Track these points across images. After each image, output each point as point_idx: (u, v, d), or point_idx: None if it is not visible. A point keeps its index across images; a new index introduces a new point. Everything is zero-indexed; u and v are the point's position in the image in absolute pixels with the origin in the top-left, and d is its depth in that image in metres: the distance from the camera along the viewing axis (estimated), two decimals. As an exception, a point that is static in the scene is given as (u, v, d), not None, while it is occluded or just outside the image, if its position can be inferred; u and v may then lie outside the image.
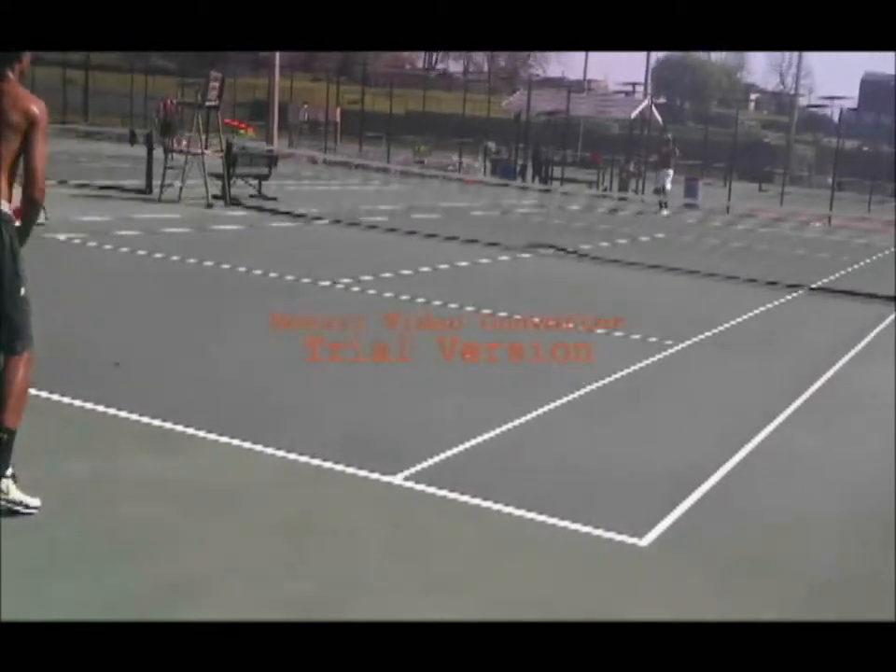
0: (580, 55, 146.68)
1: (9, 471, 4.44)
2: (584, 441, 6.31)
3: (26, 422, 4.59)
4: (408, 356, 7.95)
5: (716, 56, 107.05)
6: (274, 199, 19.72)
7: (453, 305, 10.37)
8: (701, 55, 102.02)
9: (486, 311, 10.19)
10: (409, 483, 5.29)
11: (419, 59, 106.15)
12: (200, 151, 18.40)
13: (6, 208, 4.55)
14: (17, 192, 4.63)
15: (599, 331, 9.59)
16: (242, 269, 11.52)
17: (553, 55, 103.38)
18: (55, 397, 6.10)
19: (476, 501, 5.10)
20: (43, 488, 4.60)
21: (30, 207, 4.61)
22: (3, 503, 4.39)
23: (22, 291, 4.55)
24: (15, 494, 4.43)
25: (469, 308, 10.26)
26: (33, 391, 5.01)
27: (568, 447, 6.16)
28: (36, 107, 4.58)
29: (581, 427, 6.63)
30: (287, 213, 17.92)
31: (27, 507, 4.45)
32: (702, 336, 9.74)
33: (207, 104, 18.58)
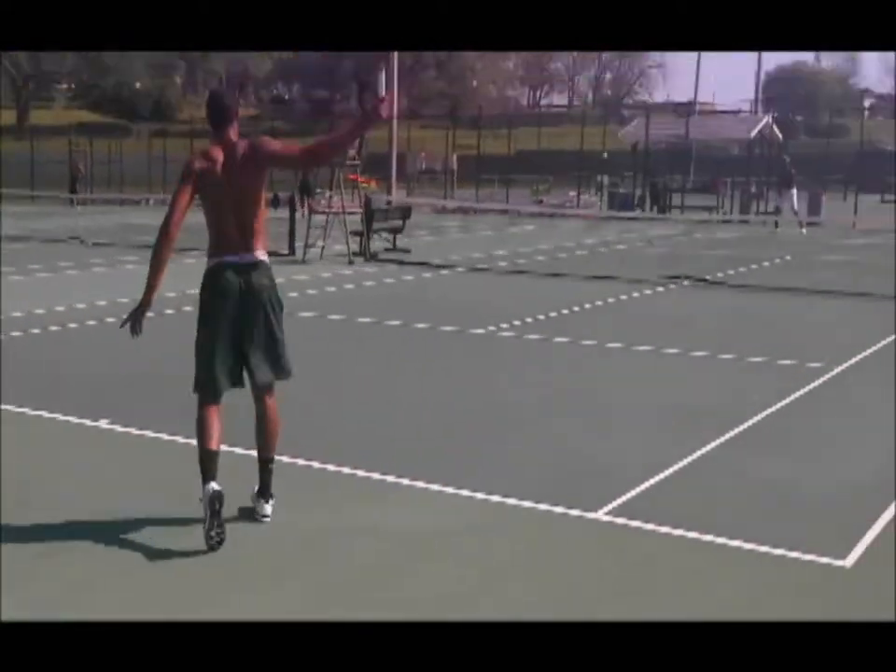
0: (688, 79, 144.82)
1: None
2: (767, 467, 6.60)
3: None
4: (576, 394, 8.37)
5: (827, 63, 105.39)
6: (408, 251, 20.42)
7: (617, 345, 10.75)
8: (812, 64, 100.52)
9: (645, 347, 10.57)
10: (610, 518, 5.63)
11: (523, 97, 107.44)
12: (341, 209, 19.22)
13: (263, 257, 5.36)
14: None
15: (757, 359, 9.88)
16: (418, 324, 12.14)
17: (659, 80, 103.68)
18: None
19: (680, 532, 5.43)
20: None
21: (330, 155, 5.72)
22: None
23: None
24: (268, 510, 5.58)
25: (644, 347, 10.61)
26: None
27: (756, 473, 6.45)
28: (259, 140, 5.42)
29: (761, 453, 6.92)
30: (425, 263, 18.57)
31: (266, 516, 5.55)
32: (860, 357, 9.89)
33: (349, 162, 19.43)
